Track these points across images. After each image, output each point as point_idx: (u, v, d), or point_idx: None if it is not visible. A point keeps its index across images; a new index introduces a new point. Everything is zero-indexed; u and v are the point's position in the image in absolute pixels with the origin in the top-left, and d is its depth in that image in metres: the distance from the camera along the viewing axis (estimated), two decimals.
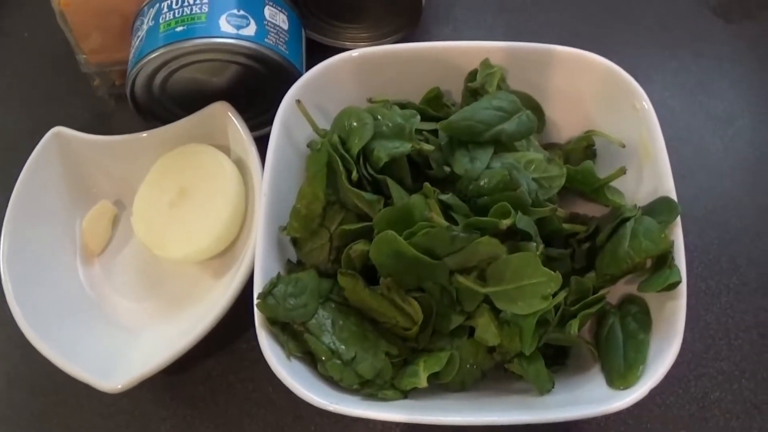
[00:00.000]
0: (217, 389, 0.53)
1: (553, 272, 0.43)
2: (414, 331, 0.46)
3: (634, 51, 0.66)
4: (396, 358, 0.47)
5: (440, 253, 0.44)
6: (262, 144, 0.52)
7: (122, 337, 0.53)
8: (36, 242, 0.54)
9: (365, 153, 0.48)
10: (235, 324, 0.51)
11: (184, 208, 0.53)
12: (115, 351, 0.52)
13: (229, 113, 0.55)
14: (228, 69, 0.55)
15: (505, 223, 0.43)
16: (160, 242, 0.53)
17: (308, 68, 0.53)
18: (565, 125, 0.54)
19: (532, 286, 0.43)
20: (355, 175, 0.47)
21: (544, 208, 0.46)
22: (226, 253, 0.54)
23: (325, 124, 0.51)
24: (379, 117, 0.48)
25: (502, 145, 0.48)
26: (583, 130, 0.54)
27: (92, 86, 0.63)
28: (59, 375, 0.49)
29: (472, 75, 0.52)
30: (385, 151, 0.47)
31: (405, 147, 0.47)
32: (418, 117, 0.48)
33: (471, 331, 0.47)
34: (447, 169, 0.48)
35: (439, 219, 0.44)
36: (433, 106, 0.53)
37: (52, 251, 0.55)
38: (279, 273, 0.47)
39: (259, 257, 0.47)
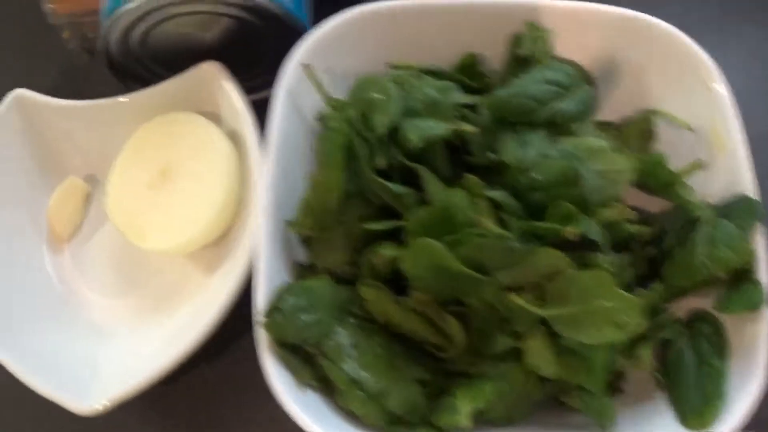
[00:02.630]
0: (211, 403, 0.39)
1: (631, 296, 0.30)
2: (453, 354, 0.33)
3: (700, 14, 0.48)
4: (429, 385, 0.33)
5: (491, 266, 0.31)
6: (256, 111, 0.39)
7: (97, 341, 0.39)
8: None
9: (391, 134, 0.33)
10: (229, 324, 0.37)
11: (167, 191, 0.39)
12: (89, 359, 0.38)
13: (221, 76, 0.40)
14: (219, 23, 0.40)
15: (573, 231, 0.30)
16: (139, 231, 0.38)
17: (316, 21, 0.38)
18: (616, 101, 0.40)
19: (604, 312, 0.30)
20: (380, 161, 0.32)
21: (611, 208, 0.33)
22: (219, 242, 0.40)
23: (334, 93, 0.36)
24: (407, 89, 0.34)
25: (555, 127, 0.34)
26: (636, 107, 0.40)
27: (62, 39, 0.47)
28: (20, 386, 0.36)
29: (518, 39, 0.38)
30: (416, 132, 0.33)
31: (442, 129, 0.33)
32: (458, 91, 0.34)
33: (518, 351, 0.34)
34: (492, 156, 0.34)
35: (491, 225, 0.30)
36: (469, 75, 0.38)
37: (12, 237, 0.40)
38: (287, 281, 0.34)
39: (262, 261, 0.33)
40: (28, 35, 0.49)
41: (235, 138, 0.40)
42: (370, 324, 0.34)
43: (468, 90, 0.37)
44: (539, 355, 0.32)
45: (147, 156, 0.40)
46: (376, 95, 0.34)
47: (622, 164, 0.34)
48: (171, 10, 0.38)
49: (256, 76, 0.43)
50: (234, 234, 0.39)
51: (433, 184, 0.33)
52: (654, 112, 0.39)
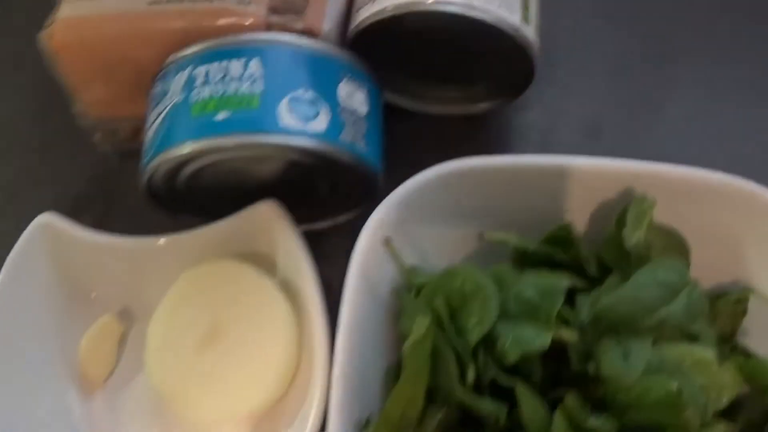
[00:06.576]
0: None
1: None
2: None
3: None
4: None
5: None
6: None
7: None
8: (19, 369, 0.35)
9: (484, 339, 0.30)
10: None
11: (216, 355, 0.34)
12: None
13: (280, 218, 0.36)
14: (282, 163, 0.35)
15: None
16: (184, 398, 0.34)
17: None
18: (707, 270, 0.36)
19: None
20: (471, 376, 0.29)
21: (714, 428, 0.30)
22: (270, 410, 0.35)
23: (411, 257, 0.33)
24: (505, 288, 0.30)
25: (660, 332, 0.31)
26: (728, 278, 0.36)
27: (92, 140, 0.41)
28: None
29: (622, 216, 0.33)
30: (516, 343, 0.29)
31: (543, 340, 0.29)
32: (561, 295, 0.30)
33: None
34: (591, 367, 0.30)
35: None
36: (562, 247, 0.34)
37: (40, 381, 0.35)
38: None
39: None
40: (55, 132, 0.43)
41: (290, 287, 0.35)
42: None
43: (557, 266, 0.33)
44: None
45: (193, 310, 0.35)
46: (465, 289, 0.30)
47: (726, 380, 0.31)
48: (228, 155, 0.33)
49: (312, 209, 0.38)
50: (289, 400, 0.35)
51: (527, 405, 0.29)
52: (750, 291, 0.36)
